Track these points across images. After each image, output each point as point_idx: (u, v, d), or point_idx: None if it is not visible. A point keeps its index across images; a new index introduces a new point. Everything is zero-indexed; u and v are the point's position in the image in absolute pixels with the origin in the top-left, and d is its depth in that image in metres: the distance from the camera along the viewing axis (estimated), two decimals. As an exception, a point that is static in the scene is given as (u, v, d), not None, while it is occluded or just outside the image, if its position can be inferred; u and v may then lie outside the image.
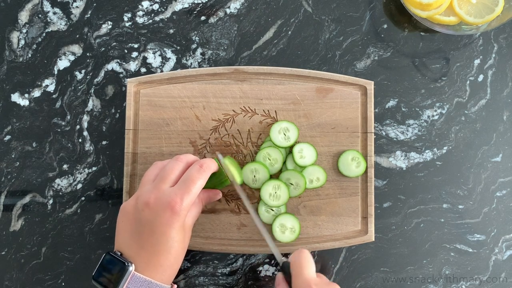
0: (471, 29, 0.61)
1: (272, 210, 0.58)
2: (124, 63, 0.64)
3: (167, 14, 0.65)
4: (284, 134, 0.58)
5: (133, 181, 0.60)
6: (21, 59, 0.64)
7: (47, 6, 0.65)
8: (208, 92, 0.60)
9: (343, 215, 0.59)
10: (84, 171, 0.62)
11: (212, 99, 0.60)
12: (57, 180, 0.62)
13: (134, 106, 0.61)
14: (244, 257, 0.61)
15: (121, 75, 0.64)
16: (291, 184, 0.58)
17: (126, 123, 0.60)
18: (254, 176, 0.58)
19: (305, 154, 0.59)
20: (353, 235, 0.58)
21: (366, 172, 0.59)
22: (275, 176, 0.59)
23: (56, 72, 0.64)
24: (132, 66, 0.64)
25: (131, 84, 0.60)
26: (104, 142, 0.63)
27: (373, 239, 0.58)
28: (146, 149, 0.60)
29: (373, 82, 0.60)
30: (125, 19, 0.65)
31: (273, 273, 0.61)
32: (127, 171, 0.59)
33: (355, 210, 0.59)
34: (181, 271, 0.61)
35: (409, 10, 0.61)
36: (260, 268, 0.61)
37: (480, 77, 0.64)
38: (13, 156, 0.63)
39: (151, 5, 0.65)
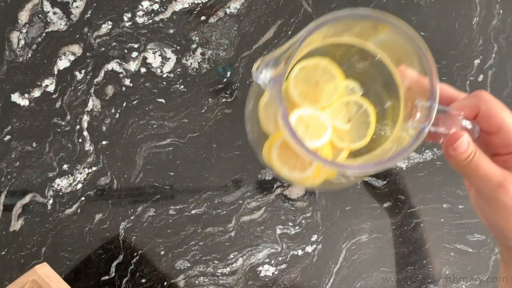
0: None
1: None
2: (124, 63, 0.64)
3: (167, 14, 0.65)
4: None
5: None
6: (21, 59, 0.64)
7: (47, 6, 0.65)
8: None
9: None
10: (84, 171, 0.62)
11: None
12: (57, 180, 0.62)
13: None
14: (244, 257, 0.61)
15: (121, 75, 0.64)
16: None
17: None
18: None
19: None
20: None
21: None
22: None
23: (56, 72, 0.64)
24: (132, 66, 0.64)
25: None
26: (104, 142, 0.63)
27: None
28: None
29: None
30: (125, 19, 0.65)
31: (273, 273, 0.61)
32: None
33: None
34: (181, 271, 0.61)
35: None
36: (260, 268, 0.61)
37: (480, 77, 0.64)
38: (13, 156, 0.63)
39: (151, 5, 0.65)
